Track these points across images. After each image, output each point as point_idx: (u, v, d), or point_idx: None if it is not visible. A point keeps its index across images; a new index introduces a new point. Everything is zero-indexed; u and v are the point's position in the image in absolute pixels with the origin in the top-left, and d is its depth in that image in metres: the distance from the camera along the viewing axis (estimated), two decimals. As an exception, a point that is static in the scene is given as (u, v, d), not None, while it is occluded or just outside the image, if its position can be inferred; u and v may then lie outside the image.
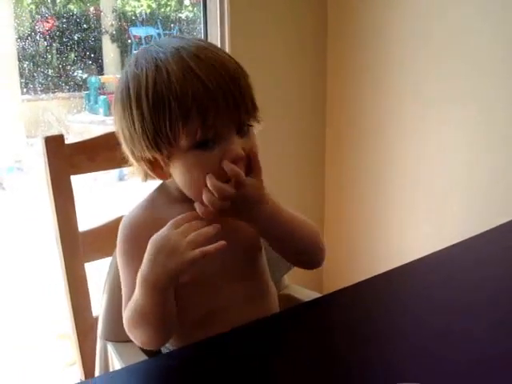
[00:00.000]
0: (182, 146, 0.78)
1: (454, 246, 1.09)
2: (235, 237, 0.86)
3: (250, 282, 0.92)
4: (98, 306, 1.05)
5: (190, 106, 0.75)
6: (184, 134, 0.76)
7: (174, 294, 0.83)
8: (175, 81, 0.75)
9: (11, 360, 2.26)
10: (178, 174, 0.82)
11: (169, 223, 0.77)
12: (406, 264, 1.01)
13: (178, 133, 0.76)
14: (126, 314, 0.83)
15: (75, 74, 3.65)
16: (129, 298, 0.82)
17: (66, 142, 1.14)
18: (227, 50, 1.97)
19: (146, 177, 0.86)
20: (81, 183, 1.23)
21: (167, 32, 4.00)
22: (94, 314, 1.18)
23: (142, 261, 0.77)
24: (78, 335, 1.18)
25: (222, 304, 0.88)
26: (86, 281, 1.18)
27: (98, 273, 1.19)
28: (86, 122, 4.09)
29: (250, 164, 0.81)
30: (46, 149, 1.12)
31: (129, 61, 0.83)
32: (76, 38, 3.50)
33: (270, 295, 0.96)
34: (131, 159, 0.84)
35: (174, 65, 0.76)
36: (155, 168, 0.83)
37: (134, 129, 0.79)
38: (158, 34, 4.05)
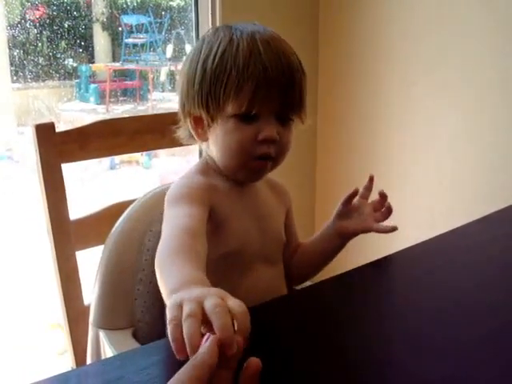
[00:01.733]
0: (227, 111, 0.86)
1: (443, 234, 1.10)
2: (270, 223, 0.97)
3: (276, 268, 0.99)
4: (90, 293, 1.05)
5: (246, 80, 0.84)
6: (232, 102, 0.85)
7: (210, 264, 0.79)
8: (241, 55, 0.85)
9: (11, 360, 2.26)
10: (215, 138, 0.89)
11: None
12: (397, 252, 1.02)
13: (228, 99, 0.85)
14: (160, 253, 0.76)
15: (66, 62, 3.63)
16: (168, 237, 0.78)
17: (57, 130, 1.14)
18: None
19: (189, 138, 0.95)
20: (72, 172, 1.23)
21: (158, 20, 3.98)
22: (86, 302, 1.18)
23: (193, 207, 0.83)
24: (69, 323, 1.18)
25: (251, 282, 0.93)
26: (77, 269, 1.18)
27: (89, 261, 1.19)
28: (77, 111, 4.07)
29: (281, 151, 0.89)
30: (37, 137, 1.11)
31: (210, 29, 0.94)
32: (66, 25, 3.47)
33: (284, 285, 1.02)
34: (180, 115, 0.93)
35: (246, 43, 0.86)
36: (197, 126, 0.92)
37: (193, 84, 0.89)
38: (150, 22, 4.02)
